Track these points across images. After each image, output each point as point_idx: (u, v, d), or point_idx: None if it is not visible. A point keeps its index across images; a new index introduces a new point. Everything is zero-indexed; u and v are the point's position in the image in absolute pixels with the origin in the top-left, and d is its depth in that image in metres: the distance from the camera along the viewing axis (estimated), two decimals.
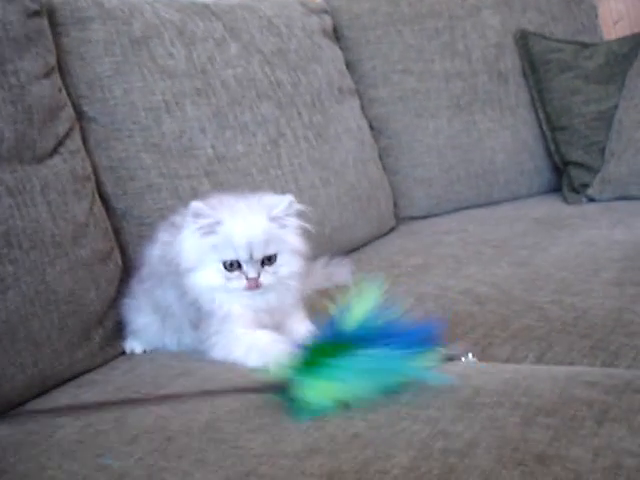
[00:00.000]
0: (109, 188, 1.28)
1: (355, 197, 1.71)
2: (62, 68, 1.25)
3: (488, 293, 1.25)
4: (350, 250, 1.65)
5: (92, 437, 0.85)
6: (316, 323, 1.03)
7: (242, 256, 1.01)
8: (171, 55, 1.40)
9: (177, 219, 1.08)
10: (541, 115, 2.00)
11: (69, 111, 1.21)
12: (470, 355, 1.01)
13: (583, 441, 0.71)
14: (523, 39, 2.02)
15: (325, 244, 1.49)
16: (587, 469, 0.67)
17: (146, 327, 1.15)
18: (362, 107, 1.88)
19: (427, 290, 1.30)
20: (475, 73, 1.99)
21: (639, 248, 1.39)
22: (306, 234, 1.08)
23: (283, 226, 1.05)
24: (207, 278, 1.03)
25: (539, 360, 1.04)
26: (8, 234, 1.01)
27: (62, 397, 1.02)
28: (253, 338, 1.03)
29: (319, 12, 1.84)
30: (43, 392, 1.04)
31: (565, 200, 1.91)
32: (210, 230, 1.02)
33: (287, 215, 1.05)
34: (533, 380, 0.84)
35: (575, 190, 1.91)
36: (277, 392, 0.83)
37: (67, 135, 1.18)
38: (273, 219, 1.03)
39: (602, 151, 1.89)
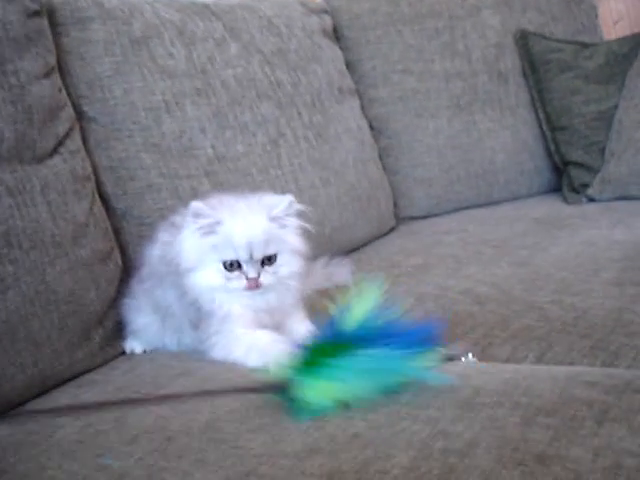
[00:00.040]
0: (109, 188, 1.28)
1: (355, 197, 1.71)
2: (62, 68, 1.25)
3: (488, 293, 1.25)
4: (350, 250, 1.65)
5: (92, 437, 0.85)
6: (316, 323, 1.03)
7: (242, 256, 1.01)
8: (171, 55, 1.40)
9: (177, 219, 1.08)
10: (541, 115, 2.00)
11: (69, 111, 1.21)
12: (470, 355, 1.01)
13: (583, 441, 0.71)
14: (523, 39, 2.02)
15: (325, 244, 1.49)
16: (587, 469, 0.67)
17: (146, 327, 1.15)
18: (362, 107, 1.88)
19: (427, 290, 1.30)
20: (475, 73, 1.99)
21: (639, 248, 1.39)
22: (306, 234, 1.07)
23: (283, 226, 1.04)
24: (207, 278, 1.03)
25: (539, 360, 1.04)
26: (8, 234, 1.01)
27: (62, 397, 1.02)
28: (253, 338, 1.03)
29: (319, 12, 1.84)
30: (43, 392, 1.04)
31: (565, 200, 1.91)
32: (210, 230, 1.02)
33: (287, 215, 1.05)
34: (533, 380, 0.84)
35: (575, 190, 1.91)
36: (277, 392, 0.83)
37: (67, 135, 1.18)
38: (273, 219, 1.03)
39: (602, 151, 1.89)
